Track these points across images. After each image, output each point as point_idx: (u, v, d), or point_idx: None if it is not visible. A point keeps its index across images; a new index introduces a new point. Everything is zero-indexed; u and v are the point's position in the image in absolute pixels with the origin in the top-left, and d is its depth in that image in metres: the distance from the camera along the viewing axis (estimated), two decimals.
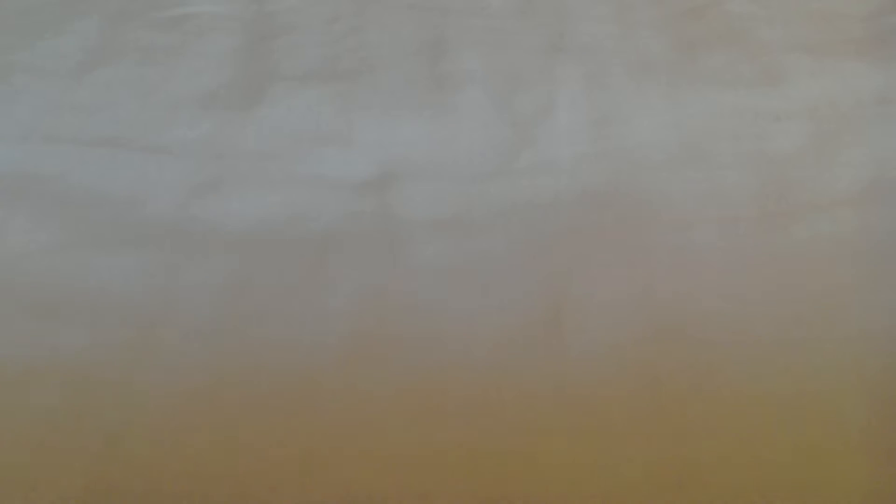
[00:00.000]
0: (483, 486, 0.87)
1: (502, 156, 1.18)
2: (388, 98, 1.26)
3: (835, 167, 1.16)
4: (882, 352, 0.98)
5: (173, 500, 0.85)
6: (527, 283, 1.03)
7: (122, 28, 1.37)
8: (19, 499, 0.85)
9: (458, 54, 1.33)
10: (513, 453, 0.89)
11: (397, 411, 0.91)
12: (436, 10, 1.42)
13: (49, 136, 1.20)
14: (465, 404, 0.92)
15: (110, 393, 0.92)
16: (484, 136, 1.20)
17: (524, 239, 1.07)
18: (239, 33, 1.37)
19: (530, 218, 1.10)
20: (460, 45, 1.35)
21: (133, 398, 0.91)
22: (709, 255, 1.06)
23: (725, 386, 0.94)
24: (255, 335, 0.98)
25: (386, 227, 1.08)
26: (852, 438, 0.90)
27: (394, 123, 1.22)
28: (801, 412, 0.92)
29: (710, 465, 0.88)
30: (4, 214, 1.09)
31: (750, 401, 0.93)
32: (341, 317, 0.99)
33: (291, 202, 1.11)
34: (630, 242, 1.08)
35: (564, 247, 1.07)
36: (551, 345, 0.97)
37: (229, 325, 0.98)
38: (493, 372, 0.94)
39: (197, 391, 0.92)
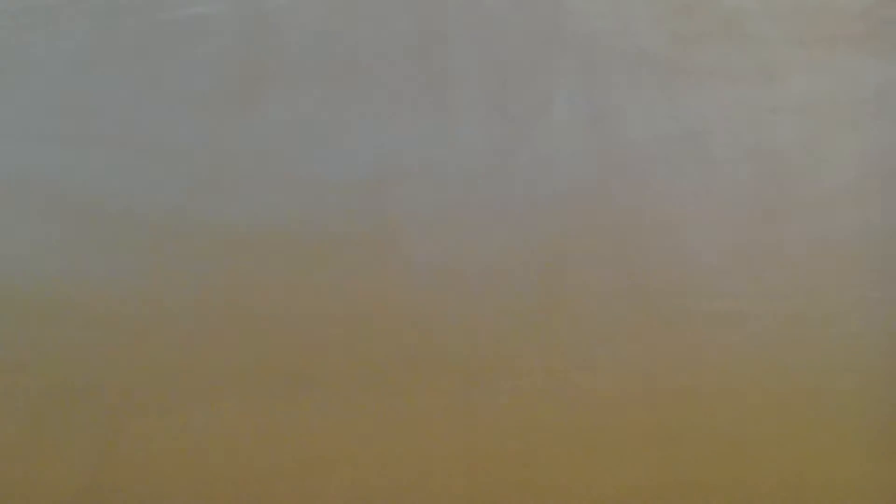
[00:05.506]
0: (483, 485, 0.87)
1: (499, 153, 1.18)
2: (384, 97, 1.26)
3: (832, 161, 1.16)
4: (882, 351, 0.98)
5: (172, 501, 0.86)
6: (524, 280, 1.03)
7: (121, 28, 1.37)
8: (19, 498, 0.85)
9: (453, 50, 1.33)
10: (512, 453, 0.89)
11: (397, 411, 0.91)
12: (431, 5, 1.41)
13: (49, 136, 1.20)
14: (464, 404, 0.92)
15: (109, 392, 0.92)
16: (480, 133, 1.20)
17: (522, 237, 1.08)
18: (237, 33, 1.37)
19: (527, 215, 1.10)
20: (456, 41, 1.34)
21: (132, 398, 0.92)
22: (705, 250, 1.06)
23: (724, 385, 0.94)
24: (256, 335, 0.98)
25: (384, 227, 1.09)
26: (852, 438, 0.91)
27: (390, 123, 1.22)
28: (800, 411, 0.92)
29: (708, 464, 0.88)
30: (4, 214, 1.10)
31: (748, 400, 0.93)
32: (341, 317, 0.99)
33: (289, 202, 1.11)
34: (626, 238, 1.08)
35: (561, 243, 1.07)
36: (550, 343, 0.97)
37: (229, 325, 0.99)
38: (492, 371, 0.95)
39: (197, 391, 0.93)
